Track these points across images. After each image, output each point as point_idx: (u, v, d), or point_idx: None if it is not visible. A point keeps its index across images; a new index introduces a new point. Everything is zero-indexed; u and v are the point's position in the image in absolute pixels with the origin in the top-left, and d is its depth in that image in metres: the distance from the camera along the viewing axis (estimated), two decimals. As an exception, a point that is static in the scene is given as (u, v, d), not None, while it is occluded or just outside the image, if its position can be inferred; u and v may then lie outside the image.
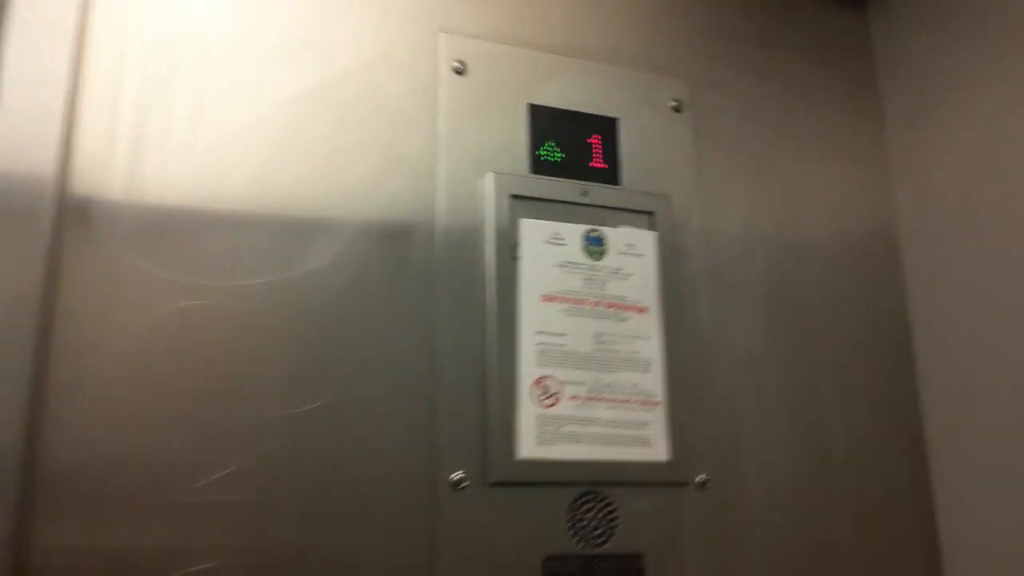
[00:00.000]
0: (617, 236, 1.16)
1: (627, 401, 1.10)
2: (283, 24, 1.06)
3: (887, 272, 1.36)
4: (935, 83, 1.34)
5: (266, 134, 1.02)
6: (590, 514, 1.05)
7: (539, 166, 1.15)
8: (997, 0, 1.25)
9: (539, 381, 1.06)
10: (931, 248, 1.32)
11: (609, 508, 1.06)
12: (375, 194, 1.06)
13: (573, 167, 1.17)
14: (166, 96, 0.99)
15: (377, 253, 1.04)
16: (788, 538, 1.16)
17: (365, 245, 1.03)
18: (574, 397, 1.07)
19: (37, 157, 0.90)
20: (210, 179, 0.98)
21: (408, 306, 1.04)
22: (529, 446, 1.03)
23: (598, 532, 1.05)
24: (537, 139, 1.16)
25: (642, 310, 1.14)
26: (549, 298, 1.10)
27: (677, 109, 1.26)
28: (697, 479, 1.12)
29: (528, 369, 1.06)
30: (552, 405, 1.06)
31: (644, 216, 1.18)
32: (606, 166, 1.19)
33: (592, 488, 1.06)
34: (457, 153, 1.11)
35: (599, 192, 1.17)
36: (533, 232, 1.11)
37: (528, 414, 1.04)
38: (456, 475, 1.00)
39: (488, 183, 1.11)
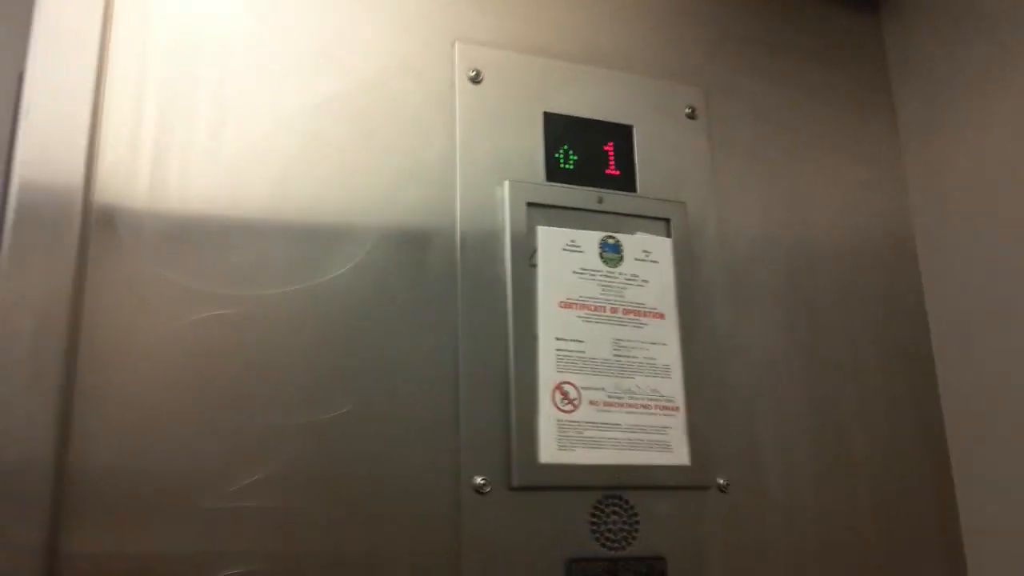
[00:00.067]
0: (633, 243, 1.16)
1: (646, 406, 1.10)
2: (302, 35, 1.07)
3: (903, 274, 1.36)
4: (948, 87, 1.34)
5: (287, 143, 1.03)
6: (612, 518, 1.05)
7: (555, 173, 1.16)
8: (1009, 4, 1.26)
9: (559, 387, 1.06)
10: (947, 250, 1.33)
11: (631, 512, 1.06)
12: (394, 201, 1.06)
13: (588, 174, 1.18)
14: (188, 106, 1.00)
15: (397, 260, 1.05)
16: (809, 539, 1.16)
17: (386, 252, 1.04)
18: (594, 402, 1.08)
19: (63, 167, 0.91)
20: (232, 187, 0.99)
21: (429, 313, 1.04)
22: (550, 451, 1.04)
23: (620, 535, 1.05)
24: (553, 146, 1.17)
25: (659, 316, 1.15)
26: (567, 305, 1.10)
27: (692, 116, 1.27)
28: (718, 482, 1.12)
29: (548, 375, 1.06)
30: (572, 411, 1.06)
31: (660, 223, 1.19)
32: (621, 173, 1.19)
33: (613, 492, 1.06)
34: (474, 161, 1.12)
35: (615, 199, 1.17)
36: (550, 239, 1.12)
37: (549, 419, 1.04)
38: (479, 480, 1.00)
39: (504, 191, 1.11)
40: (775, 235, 1.28)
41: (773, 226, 1.28)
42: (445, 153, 1.11)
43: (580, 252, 1.13)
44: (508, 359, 1.06)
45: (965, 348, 1.28)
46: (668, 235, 1.19)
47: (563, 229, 1.13)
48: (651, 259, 1.16)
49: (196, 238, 0.96)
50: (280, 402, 0.95)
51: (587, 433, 1.06)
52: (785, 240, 1.28)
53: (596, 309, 1.12)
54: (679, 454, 1.10)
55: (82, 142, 0.93)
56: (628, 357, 1.11)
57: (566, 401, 1.06)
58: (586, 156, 1.18)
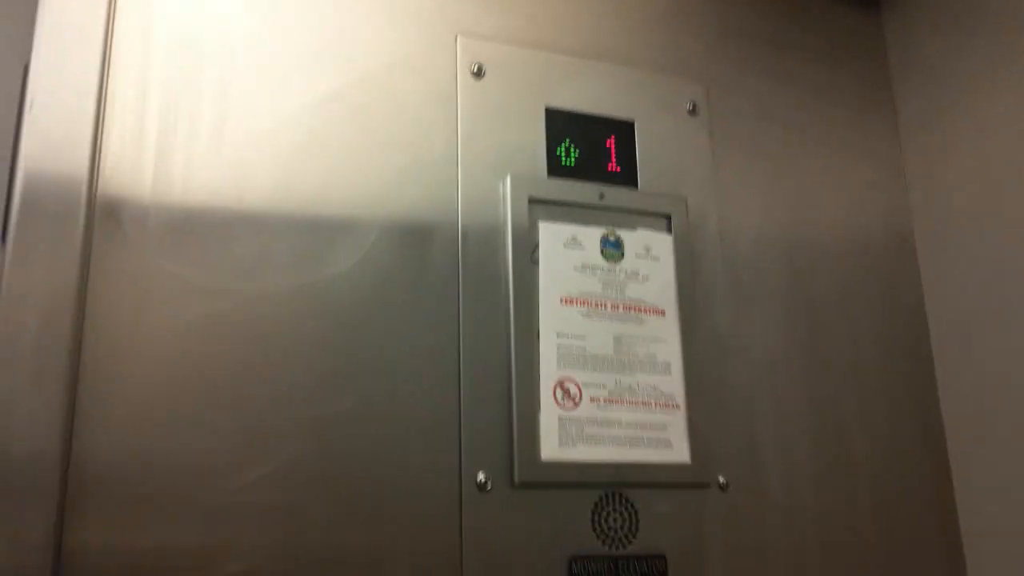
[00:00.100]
0: (634, 239, 1.16)
1: (647, 403, 1.10)
2: (305, 30, 1.07)
3: (903, 271, 1.36)
4: (949, 84, 1.35)
5: (290, 137, 1.03)
6: (613, 515, 1.06)
7: (556, 169, 1.16)
8: (1011, 2, 1.26)
9: (560, 383, 1.07)
10: (947, 249, 1.33)
11: (632, 509, 1.07)
12: (396, 197, 1.06)
13: (590, 170, 1.18)
14: (191, 101, 1.00)
15: (400, 255, 1.05)
16: (809, 537, 1.17)
17: (388, 248, 1.04)
18: (595, 399, 1.08)
19: (69, 160, 0.91)
20: (236, 181, 0.99)
21: (432, 309, 1.05)
22: (552, 448, 1.04)
23: (621, 533, 1.06)
24: (554, 142, 1.17)
25: (660, 313, 1.15)
26: (568, 301, 1.11)
27: (693, 112, 1.27)
28: (718, 480, 1.13)
29: (549, 371, 1.07)
30: (573, 407, 1.06)
31: (661, 219, 1.19)
32: (622, 169, 1.19)
33: (614, 489, 1.07)
34: (476, 156, 1.12)
35: (616, 195, 1.18)
36: (551, 235, 1.12)
37: (550, 416, 1.05)
38: (480, 477, 1.01)
39: (506, 186, 1.11)
40: (776, 232, 1.28)
41: (774, 223, 1.28)
42: (447, 148, 1.11)
43: (581, 248, 1.13)
44: (509, 355, 1.06)
45: (965, 347, 1.29)
46: (669, 231, 1.19)
47: (564, 225, 1.13)
48: (652, 255, 1.17)
49: (199, 232, 0.96)
50: (283, 397, 0.95)
51: (588, 430, 1.06)
52: (786, 238, 1.29)
53: (597, 305, 1.12)
54: (679, 451, 1.11)
55: (86, 136, 0.93)
56: (629, 354, 1.11)
57: (567, 398, 1.07)
58: (588, 151, 1.18)
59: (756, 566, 1.13)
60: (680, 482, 1.10)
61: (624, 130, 1.22)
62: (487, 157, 1.12)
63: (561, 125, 1.18)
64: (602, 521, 1.05)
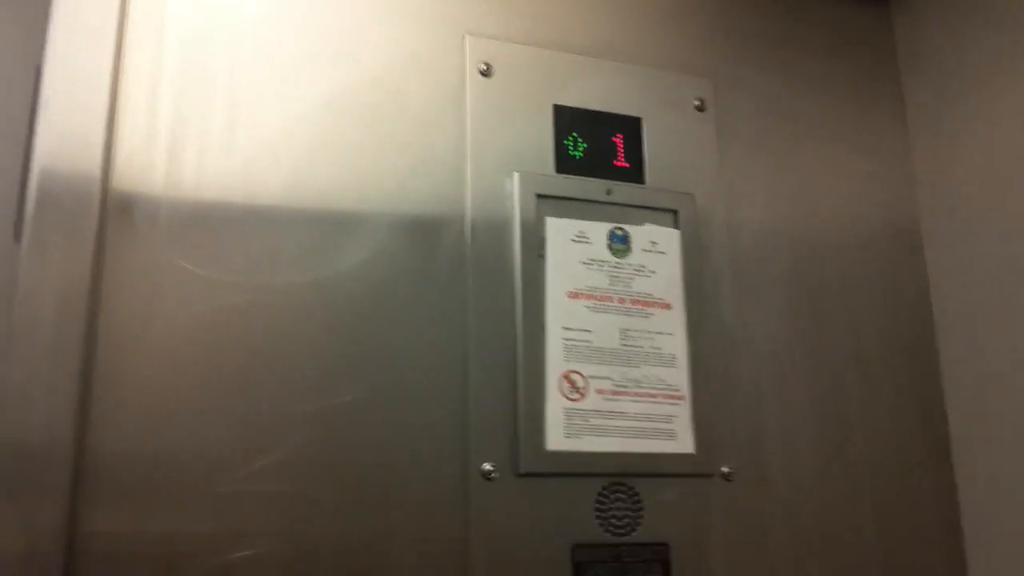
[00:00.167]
0: (641, 234, 1.17)
1: (653, 395, 1.11)
2: (315, 28, 1.09)
3: (909, 266, 1.36)
4: (957, 79, 1.34)
5: (300, 134, 1.05)
6: (617, 504, 1.07)
7: (564, 165, 1.17)
8: (1019, -3, 1.26)
9: (566, 375, 1.08)
10: (953, 242, 1.33)
11: (635, 498, 1.08)
12: (405, 193, 1.08)
13: (597, 166, 1.18)
14: (203, 99, 1.01)
15: (409, 251, 1.06)
16: (811, 528, 1.17)
17: (396, 243, 1.06)
18: (600, 391, 1.09)
19: (81, 156, 0.93)
20: (247, 178, 1.01)
21: (440, 303, 1.06)
22: (557, 438, 1.05)
23: (625, 522, 1.07)
24: (562, 138, 1.18)
25: (666, 306, 1.16)
26: (575, 295, 1.12)
27: (700, 108, 1.27)
28: (722, 470, 1.14)
29: (555, 364, 1.08)
30: (579, 399, 1.08)
31: (668, 214, 1.20)
32: (630, 165, 1.20)
33: (619, 479, 1.08)
34: (484, 153, 1.13)
35: (623, 190, 1.18)
36: (559, 230, 1.13)
37: (556, 407, 1.06)
38: (487, 466, 1.02)
39: (514, 183, 1.12)
40: (782, 227, 1.28)
41: (780, 218, 1.29)
42: (455, 145, 1.12)
43: (588, 243, 1.14)
44: (516, 348, 1.07)
45: (970, 340, 1.29)
46: (676, 226, 1.19)
47: (572, 220, 1.14)
48: (658, 250, 1.18)
49: (210, 227, 0.98)
50: (291, 389, 0.97)
51: (594, 421, 1.08)
52: (792, 232, 1.29)
53: (604, 299, 1.13)
54: (684, 442, 1.11)
55: (99, 133, 0.95)
56: (635, 347, 1.12)
57: (573, 390, 1.08)
58: (595, 148, 1.19)
59: (758, 555, 1.13)
60: (684, 472, 1.11)
61: (631, 127, 1.22)
62: (495, 154, 1.14)
63: (569, 122, 1.19)
64: (606, 510, 1.06)
